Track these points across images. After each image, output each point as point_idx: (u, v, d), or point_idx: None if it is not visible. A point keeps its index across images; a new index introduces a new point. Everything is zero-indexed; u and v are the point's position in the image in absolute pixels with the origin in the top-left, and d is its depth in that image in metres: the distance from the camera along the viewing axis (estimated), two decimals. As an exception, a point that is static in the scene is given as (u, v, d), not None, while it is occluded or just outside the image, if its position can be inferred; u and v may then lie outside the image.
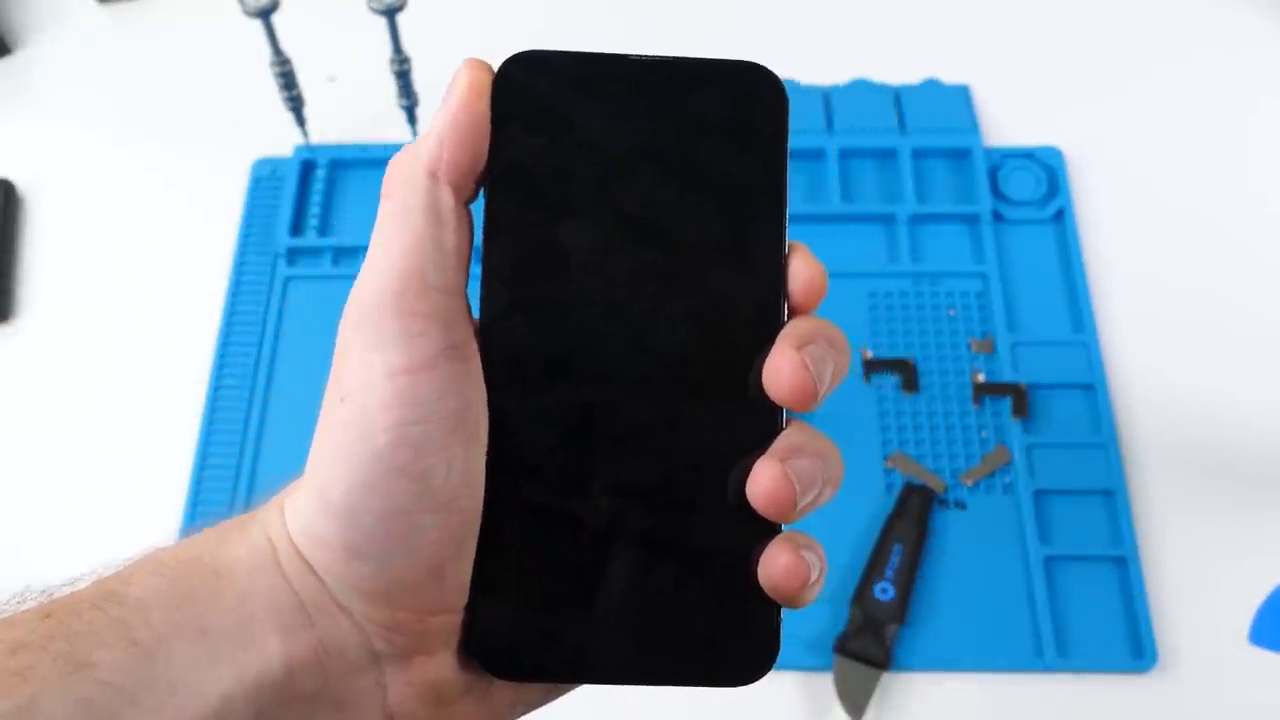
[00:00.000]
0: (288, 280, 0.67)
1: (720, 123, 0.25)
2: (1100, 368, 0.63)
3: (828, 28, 0.77)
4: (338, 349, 0.24)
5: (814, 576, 0.24)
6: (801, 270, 0.25)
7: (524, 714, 0.26)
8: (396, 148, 0.78)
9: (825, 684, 0.55)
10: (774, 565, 0.24)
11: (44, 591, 0.23)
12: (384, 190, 0.24)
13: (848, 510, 0.59)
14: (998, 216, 0.68)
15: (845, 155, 0.70)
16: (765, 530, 0.25)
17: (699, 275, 0.25)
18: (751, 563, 0.25)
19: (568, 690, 0.27)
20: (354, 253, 0.68)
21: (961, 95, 0.72)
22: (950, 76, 0.73)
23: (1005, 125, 0.72)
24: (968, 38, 0.76)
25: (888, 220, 0.68)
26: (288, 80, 0.65)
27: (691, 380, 0.25)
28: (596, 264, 0.25)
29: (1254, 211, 0.69)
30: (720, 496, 0.25)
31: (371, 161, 0.71)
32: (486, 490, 0.24)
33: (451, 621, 0.24)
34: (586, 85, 0.24)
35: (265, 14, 0.59)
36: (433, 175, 0.24)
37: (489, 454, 0.24)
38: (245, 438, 0.62)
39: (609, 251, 0.25)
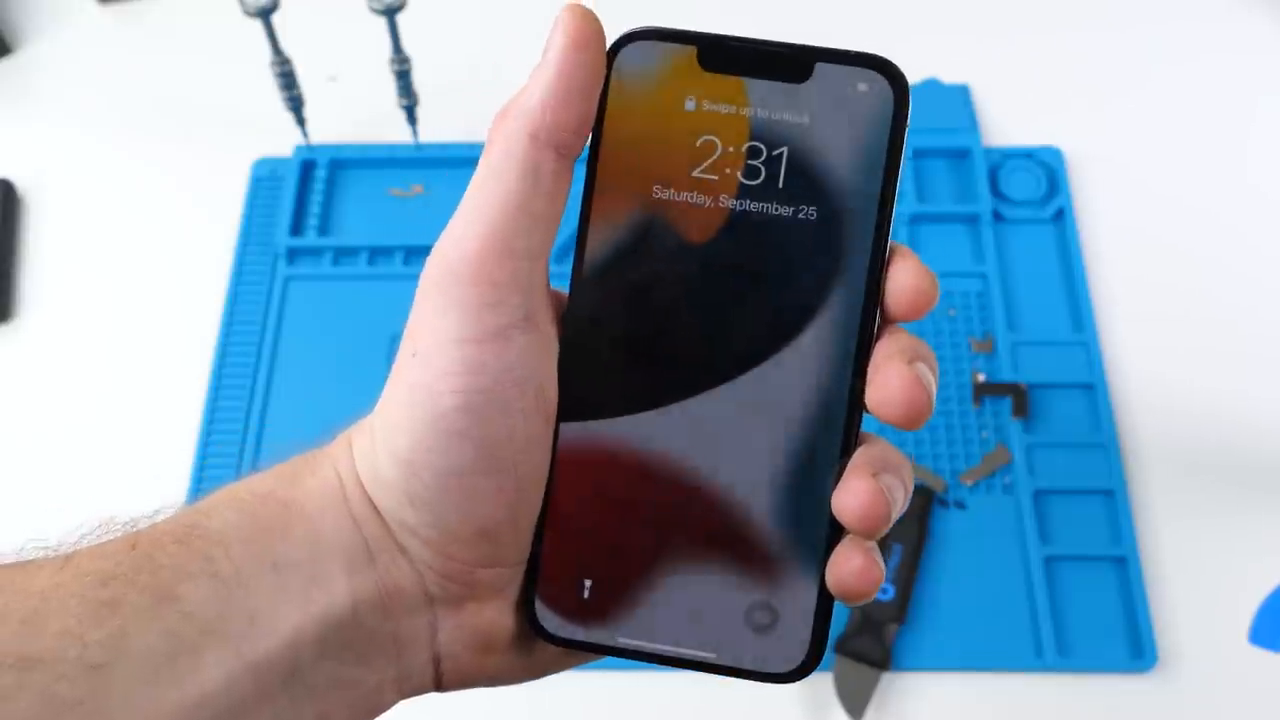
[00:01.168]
0: (288, 280, 0.67)
1: (835, 117, 0.24)
2: (1100, 368, 0.63)
3: (828, 28, 0.77)
4: (416, 299, 0.24)
5: (882, 577, 0.24)
6: (904, 281, 0.24)
7: (559, 671, 0.27)
8: (397, 148, 0.78)
9: (825, 684, 0.55)
10: (845, 566, 0.24)
11: (128, 523, 0.24)
12: (487, 144, 0.24)
13: (848, 510, 0.59)
14: (998, 216, 0.68)
15: (845, 155, 0.70)
16: (834, 534, 0.25)
17: (792, 277, 0.24)
18: (812, 564, 0.25)
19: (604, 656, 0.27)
20: (354, 252, 0.68)
21: (961, 95, 0.72)
22: (950, 76, 0.73)
23: (1005, 125, 0.72)
24: (968, 38, 0.76)
25: (888, 220, 0.68)
26: (288, 80, 0.65)
27: (774, 380, 0.24)
28: (689, 253, 0.24)
29: (1254, 211, 0.69)
30: (791, 499, 0.24)
31: (371, 161, 0.71)
32: (553, 465, 0.24)
33: (502, 575, 0.25)
34: (698, 66, 0.24)
35: (265, 14, 0.59)
36: (533, 137, 0.23)
37: (557, 430, 0.24)
38: (245, 437, 0.62)
39: (703, 242, 0.24)
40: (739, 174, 0.24)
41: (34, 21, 0.78)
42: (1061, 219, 0.68)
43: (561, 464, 0.25)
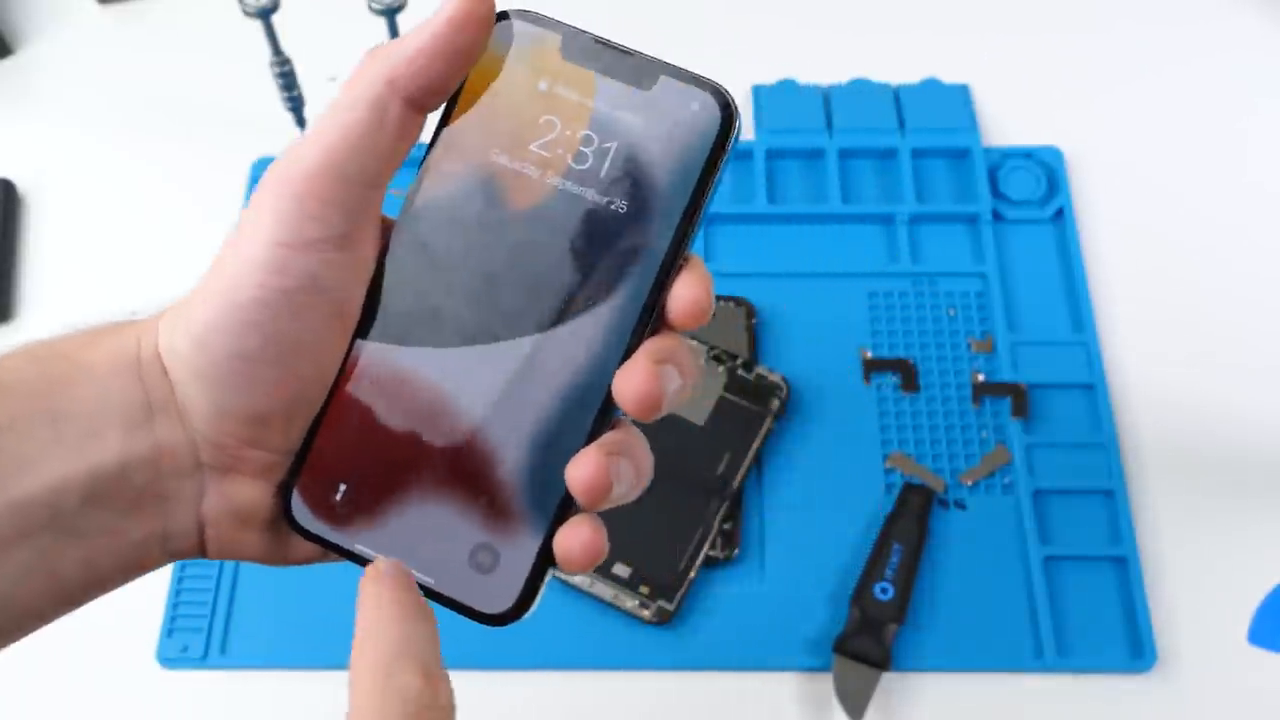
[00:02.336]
0: (288, 280, 0.67)
1: (664, 128, 0.26)
2: (1100, 368, 0.63)
3: (828, 28, 0.77)
4: (251, 198, 0.26)
5: (603, 554, 0.26)
6: (683, 292, 0.26)
7: (305, 563, 0.29)
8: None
9: (825, 684, 0.55)
10: (573, 535, 0.26)
11: None
12: (349, 78, 0.26)
13: (848, 510, 0.59)
14: (997, 216, 0.68)
15: (845, 155, 0.70)
16: (569, 503, 0.27)
17: (585, 260, 0.26)
18: (542, 524, 0.27)
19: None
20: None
21: (961, 95, 0.72)
22: (950, 76, 0.73)
23: (1005, 125, 0.72)
24: (967, 38, 0.76)
25: (887, 220, 0.68)
26: (288, 80, 0.65)
27: (548, 352, 0.26)
28: (507, 217, 0.27)
29: (1254, 211, 0.69)
30: (537, 461, 0.26)
31: (371, 161, 0.71)
32: (338, 377, 0.27)
33: (267, 458, 0.27)
34: (558, 53, 0.27)
35: (265, 14, 0.59)
36: (390, 83, 0.25)
37: (350, 346, 0.27)
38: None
39: (521, 210, 0.27)
40: (568, 157, 0.26)
41: (34, 22, 0.78)
42: (1061, 219, 0.68)
43: (347, 376, 0.27)
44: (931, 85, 0.73)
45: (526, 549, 0.27)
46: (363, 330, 0.27)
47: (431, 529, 0.27)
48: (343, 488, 0.27)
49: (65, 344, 0.26)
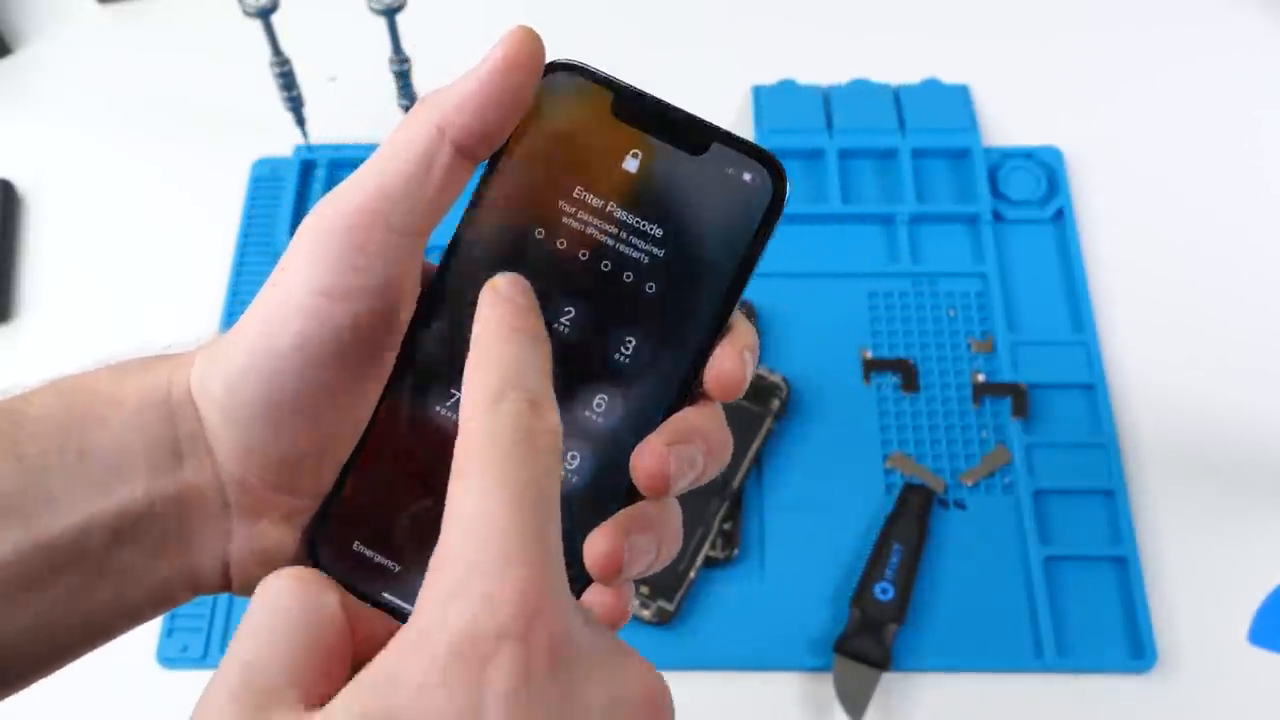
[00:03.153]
0: (288, 280, 0.67)
1: (714, 195, 0.26)
2: (1100, 368, 0.63)
3: (828, 28, 0.77)
4: (294, 239, 0.25)
5: (641, 566, 0.25)
6: (718, 363, 0.26)
7: None
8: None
9: (825, 684, 0.55)
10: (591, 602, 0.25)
11: None
12: (400, 123, 0.25)
13: (848, 510, 0.59)
14: (997, 216, 0.68)
15: (845, 155, 0.70)
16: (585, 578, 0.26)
17: (625, 323, 0.26)
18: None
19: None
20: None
21: (961, 95, 0.72)
22: (950, 76, 0.73)
23: (1005, 125, 0.72)
24: (968, 38, 0.76)
25: (887, 220, 0.68)
26: (288, 80, 0.65)
27: (579, 415, 0.26)
28: (549, 272, 0.26)
29: (1254, 211, 0.69)
30: (565, 526, 0.25)
31: (371, 161, 0.71)
32: (370, 426, 0.26)
33: (294, 503, 0.27)
34: (610, 110, 0.26)
35: (265, 14, 0.59)
36: (440, 130, 0.25)
37: (383, 395, 0.26)
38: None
39: (564, 265, 0.26)
40: (616, 216, 0.26)
41: (34, 21, 0.78)
42: (1061, 219, 0.68)
43: (379, 424, 0.26)
44: (931, 85, 0.73)
45: None
46: (397, 378, 0.26)
47: None
48: (368, 535, 0.27)
49: (92, 378, 0.26)
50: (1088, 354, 0.63)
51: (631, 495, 0.26)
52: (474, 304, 0.25)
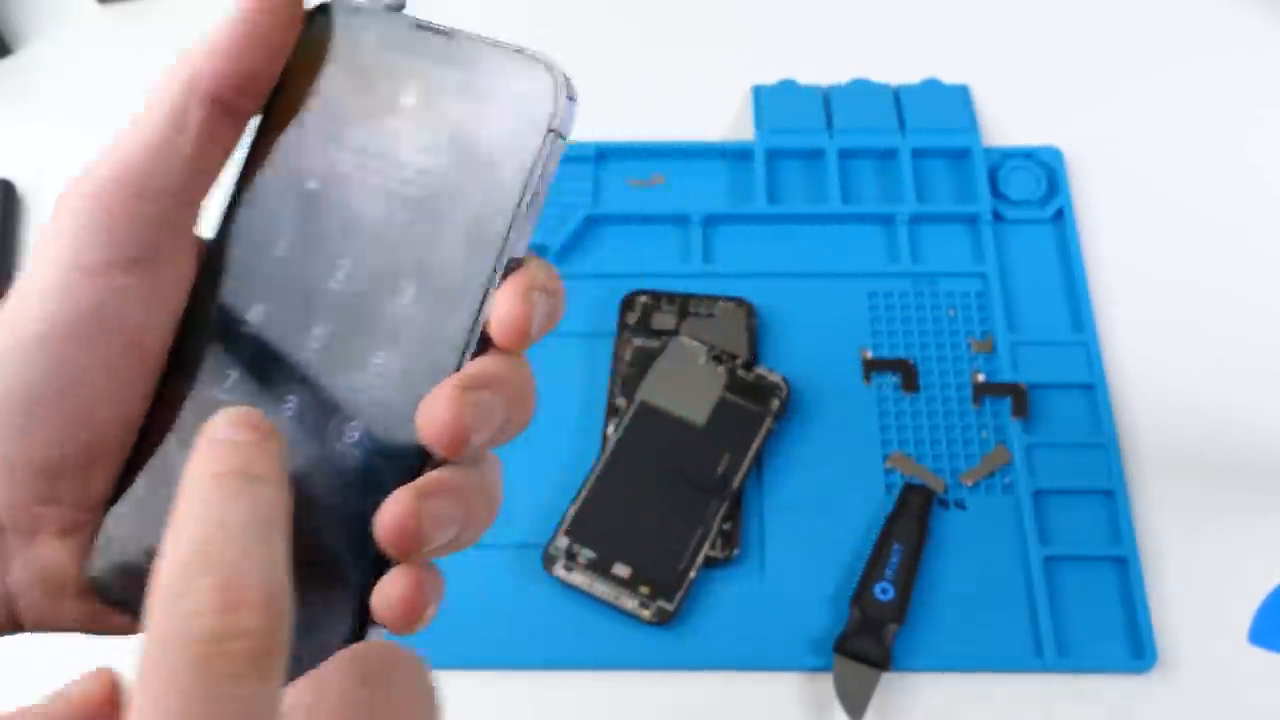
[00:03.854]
0: (288, 280, 0.67)
1: (491, 117, 0.23)
2: (1100, 368, 0.63)
3: (828, 28, 0.77)
4: (49, 218, 0.23)
5: (430, 611, 0.23)
6: (504, 306, 0.22)
7: (129, 634, 0.24)
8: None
9: (825, 684, 0.55)
10: (388, 592, 0.22)
11: None
12: (152, 84, 0.23)
13: (848, 510, 0.59)
14: (997, 216, 0.68)
15: (845, 155, 0.70)
16: (381, 564, 0.23)
17: (412, 267, 0.23)
18: (355, 579, 0.23)
19: None
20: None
21: (961, 95, 0.72)
22: (950, 76, 0.73)
23: (1005, 125, 0.72)
24: (968, 38, 0.76)
25: (887, 220, 0.68)
26: (287, 80, 0.65)
27: (361, 389, 0.23)
28: (325, 229, 0.24)
29: (1254, 211, 0.69)
30: (350, 507, 0.23)
31: (371, 161, 0.71)
32: (144, 424, 0.23)
33: (66, 515, 0.23)
34: (382, 43, 0.24)
35: (265, 14, 0.59)
36: (189, 84, 0.23)
37: (159, 386, 0.24)
38: (245, 438, 0.61)
39: (342, 221, 0.24)
40: (396, 151, 0.24)
41: (34, 22, 0.78)
42: (1061, 219, 0.68)
43: (155, 420, 0.24)
44: (931, 85, 0.73)
45: (340, 609, 0.23)
46: (173, 365, 0.24)
47: None
48: (151, 549, 0.23)
49: None
50: (1087, 354, 0.63)
51: (427, 462, 0.23)
52: (257, 279, 0.23)
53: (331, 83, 0.24)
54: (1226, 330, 0.65)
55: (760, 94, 0.73)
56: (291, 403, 0.23)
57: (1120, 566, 0.57)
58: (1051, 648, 0.55)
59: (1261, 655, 0.55)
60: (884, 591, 0.56)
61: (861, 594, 0.56)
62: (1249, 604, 0.57)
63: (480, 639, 0.56)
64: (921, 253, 0.67)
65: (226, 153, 0.24)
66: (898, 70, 0.73)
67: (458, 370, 0.23)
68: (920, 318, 0.65)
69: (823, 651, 0.55)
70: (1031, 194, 0.69)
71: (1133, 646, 0.56)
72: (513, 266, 0.23)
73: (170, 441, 0.24)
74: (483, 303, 0.23)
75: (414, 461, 0.23)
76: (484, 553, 0.58)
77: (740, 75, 0.74)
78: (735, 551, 0.57)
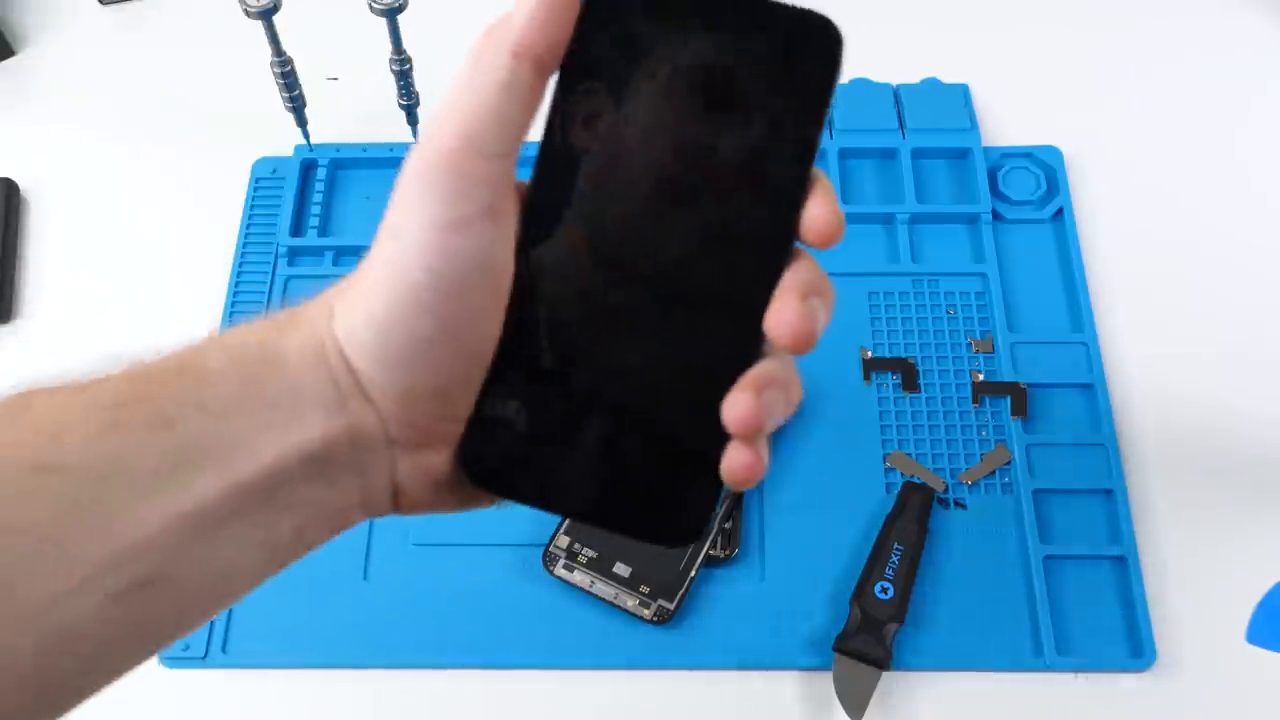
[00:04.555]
0: (288, 280, 0.67)
1: (776, 60, 0.27)
2: (1100, 367, 0.63)
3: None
4: (397, 187, 0.27)
5: (764, 470, 0.27)
6: (817, 211, 0.27)
7: (489, 505, 0.31)
8: (397, 148, 0.77)
9: (825, 683, 0.55)
10: (736, 458, 0.27)
11: (134, 358, 0.28)
12: (472, 54, 0.27)
13: (848, 510, 0.59)
14: (997, 216, 0.68)
15: (845, 155, 0.70)
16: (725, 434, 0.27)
17: (723, 195, 0.27)
18: (705, 452, 0.27)
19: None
20: (354, 252, 0.68)
21: (961, 95, 0.72)
22: (950, 76, 0.73)
23: (1004, 125, 0.72)
24: (967, 38, 0.76)
25: (887, 220, 0.68)
26: (289, 80, 0.65)
27: (697, 287, 0.27)
28: (635, 167, 0.27)
29: (1253, 211, 0.69)
30: (696, 396, 0.27)
31: (371, 161, 0.71)
32: (501, 338, 0.28)
33: (453, 427, 0.28)
34: (667, 6, 0.27)
35: (267, 15, 0.59)
36: (515, 54, 0.26)
37: (508, 308, 0.28)
38: (246, 437, 0.62)
39: (650, 158, 0.27)
40: (689, 99, 0.27)
41: (36, 23, 0.79)
42: (1060, 219, 0.68)
43: (507, 337, 0.28)
44: (931, 85, 0.73)
45: (695, 475, 0.28)
46: (517, 287, 0.28)
47: (604, 467, 0.28)
48: (516, 439, 0.28)
49: (253, 333, 0.28)
50: (1087, 353, 0.64)
51: (755, 352, 0.27)
52: (577, 205, 0.27)
53: (626, 37, 0.27)
54: (1226, 330, 0.65)
55: (760, 94, 0.73)
56: (627, 301, 0.28)
57: (1119, 566, 0.58)
58: (1051, 647, 0.55)
59: (1259, 654, 0.56)
60: (884, 591, 0.56)
61: (861, 593, 0.56)
62: (1247, 603, 0.57)
63: (481, 639, 0.56)
64: (921, 252, 0.67)
65: (538, 107, 0.27)
66: (898, 70, 0.73)
67: (777, 270, 0.27)
68: (920, 317, 0.65)
69: (823, 651, 0.55)
70: (1031, 194, 0.69)
71: (1132, 645, 0.56)
72: (809, 186, 0.27)
73: (523, 354, 0.28)
74: (796, 218, 0.27)
75: (745, 357, 0.27)
76: (484, 552, 0.58)
77: (740, 75, 0.74)
78: (735, 551, 0.57)
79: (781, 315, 0.27)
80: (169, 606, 0.25)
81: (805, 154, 0.27)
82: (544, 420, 0.28)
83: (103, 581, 0.24)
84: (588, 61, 0.27)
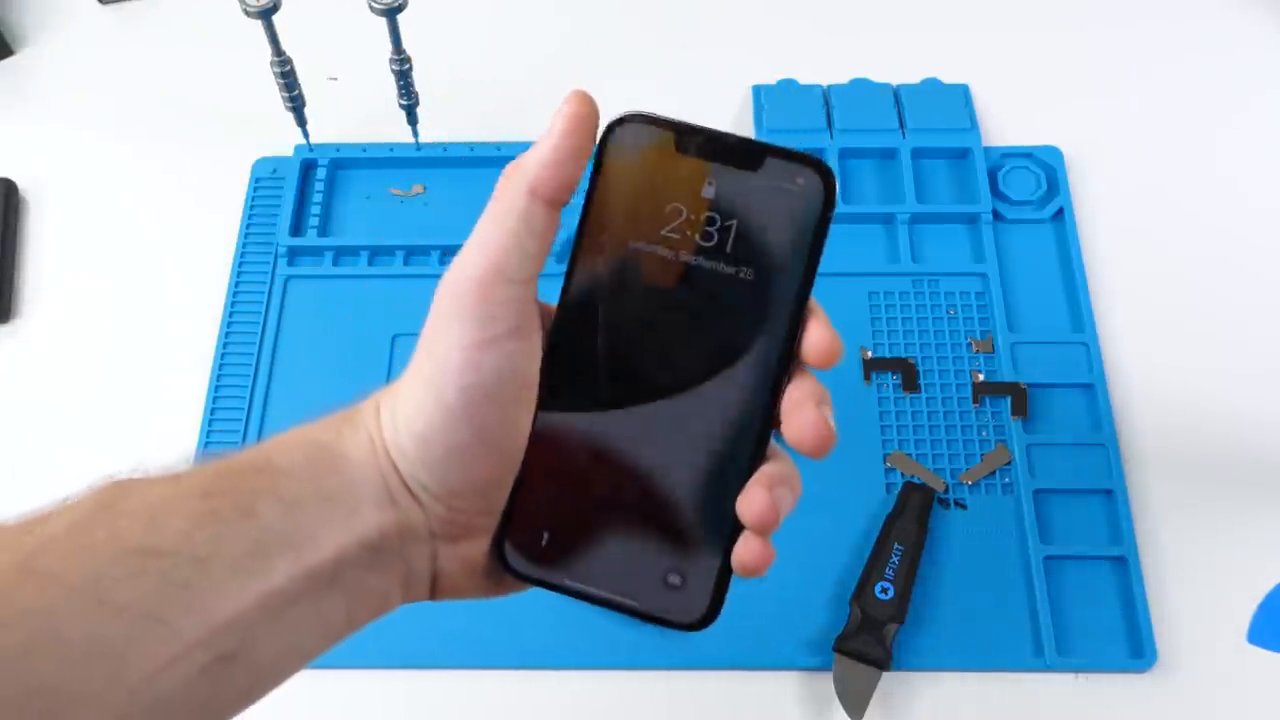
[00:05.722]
0: (288, 280, 0.67)
1: (777, 206, 0.30)
2: (1100, 367, 0.63)
3: (828, 28, 0.77)
4: (431, 312, 0.30)
5: (772, 560, 0.30)
6: (816, 337, 0.30)
7: (520, 592, 0.34)
8: (397, 148, 0.77)
9: (825, 684, 0.55)
10: (745, 550, 0.30)
11: (214, 454, 0.31)
12: (495, 192, 0.30)
13: (848, 510, 0.59)
14: (997, 216, 0.68)
15: (845, 155, 0.70)
16: (739, 525, 0.30)
17: (729, 322, 0.30)
18: (718, 543, 0.31)
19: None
20: (354, 252, 0.68)
21: (961, 95, 0.72)
22: (950, 76, 0.73)
23: (1005, 125, 0.72)
24: (967, 37, 0.76)
25: (888, 220, 0.68)
26: (288, 80, 0.65)
27: (708, 401, 0.31)
28: (651, 294, 0.31)
29: (1253, 210, 0.69)
30: (709, 494, 0.31)
31: (371, 161, 0.71)
32: (529, 443, 0.31)
33: (489, 523, 0.32)
34: (674, 148, 0.30)
35: (266, 14, 0.59)
36: (531, 193, 0.29)
37: (535, 417, 0.31)
38: (246, 437, 0.62)
39: (663, 286, 0.30)
40: (696, 237, 0.30)
41: (36, 22, 0.79)
42: (1061, 219, 0.68)
43: (535, 443, 0.31)
44: (931, 85, 0.73)
45: (709, 566, 0.31)
46: (542, 405, 0.31)
47: (627, 560, 0.31)
48: (546, 534, 0.31)
49: (318, 433, 0.31)
50: (1087, 354, 0.64)
51: (759, 457, 0.30)
52: (596, 331, 0.31)
53: (638, 182, 0.31)
54: (1226, 330, 0.65)
55: (760, 93, 0.73)
56: (641, 415, 0.31)
57: (1120, 566, 0.58)
58: (1051, 647, 0.55)
59: (1260, 654, 0.56)
60: (884, 591, 0.56)
61: (861, 593, 0.56)
62: (1248, 603, 0.57)
63: (480, 639, 0.56)
64: (921, 252, 0.67)
65: (554, 238, 0.30)
66: (898, 70, 0.73)
67: (781, 384, 0.30)
68: (920, 317, 0.65)
69: (823, 651, 0.55)
70: (1031, 194, 0.69)
71: (1132, 645, 0.56)
72: (806, 315, 0.31)
73: (549, 459, 0.31)
74: (794, 339, 0.30)
75: (748, 464, 0.30)
76: (484, 552, 0.58)
77: (740, 75, 0.74)
78: (735, 551, 0.57)
79: (803, 429, 0.29)
80: (242, 680, 0.28)
81: (803, 287, 0.30)
82: (569, 517, 0.31)
83: (197, 656, 0.26)
84: (602, 209, 0.30)
